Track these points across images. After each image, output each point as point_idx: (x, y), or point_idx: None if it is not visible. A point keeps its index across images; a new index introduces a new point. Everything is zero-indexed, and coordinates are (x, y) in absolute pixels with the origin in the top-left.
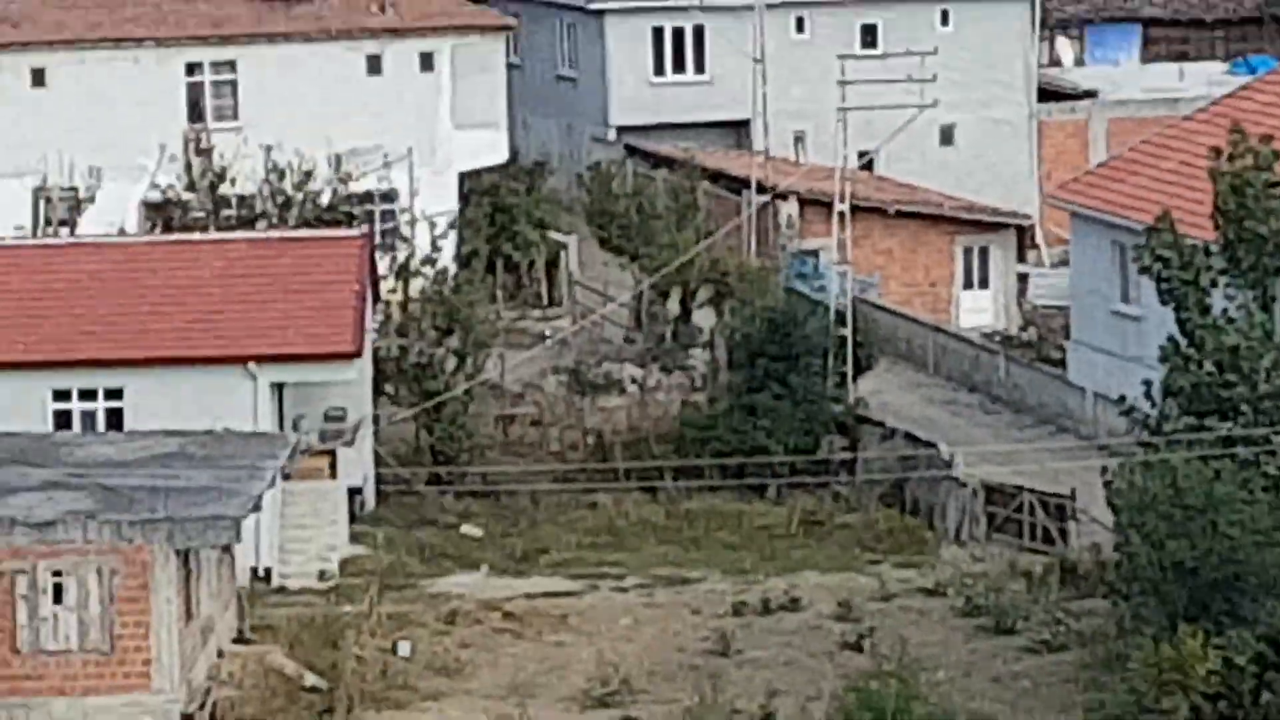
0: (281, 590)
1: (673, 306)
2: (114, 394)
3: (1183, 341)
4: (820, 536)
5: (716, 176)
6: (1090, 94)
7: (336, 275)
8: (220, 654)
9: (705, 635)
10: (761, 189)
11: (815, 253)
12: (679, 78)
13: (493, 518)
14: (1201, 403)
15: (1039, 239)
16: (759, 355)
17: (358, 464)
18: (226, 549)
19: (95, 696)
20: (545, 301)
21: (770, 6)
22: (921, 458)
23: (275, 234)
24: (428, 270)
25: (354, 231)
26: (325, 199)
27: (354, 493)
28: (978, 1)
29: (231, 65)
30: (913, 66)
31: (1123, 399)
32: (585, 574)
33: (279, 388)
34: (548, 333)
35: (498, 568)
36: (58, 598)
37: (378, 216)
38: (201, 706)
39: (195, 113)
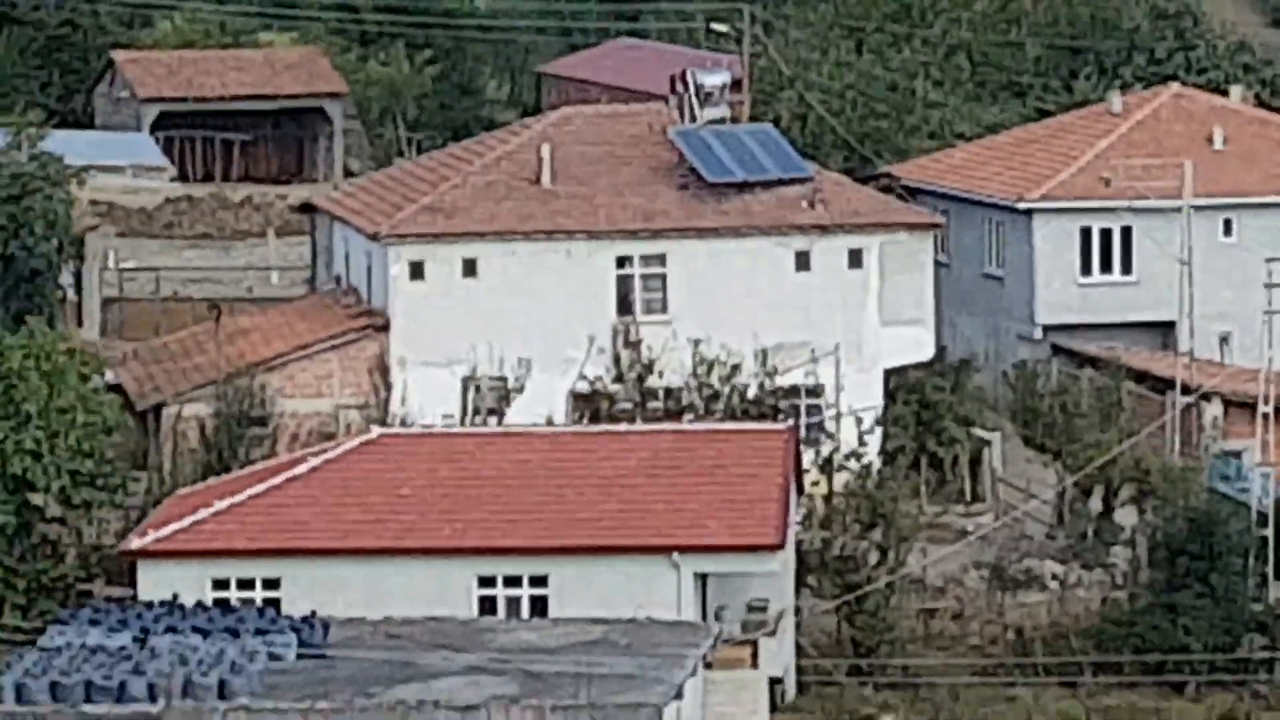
0: None
1: (1095, 504)
2: (539, 581)
3: None
4: None
5: (1141, 376)
6: None
7: (761, 468)
8: None
9: None
10: (1186, 390)
11: (1238, 454)
12: (1106, 278)
13: (912, 710)
14: None
15: None
16: (1180, 554)
17: (779, 654)
18: None
19: None
20: (968, 498)
21: (1198, 209)
22: None
23: (701, 426)
24: (852, 465)
25: (780, 425)
26: (752, 393)
27: (775, 683)
28: None
29: (661, 259)
30: None
31: None
32: None
33: (702, 578)
34: (970, 528)
35: None
36: None
37: (803, 411)
38: None
39: (624, 305)
